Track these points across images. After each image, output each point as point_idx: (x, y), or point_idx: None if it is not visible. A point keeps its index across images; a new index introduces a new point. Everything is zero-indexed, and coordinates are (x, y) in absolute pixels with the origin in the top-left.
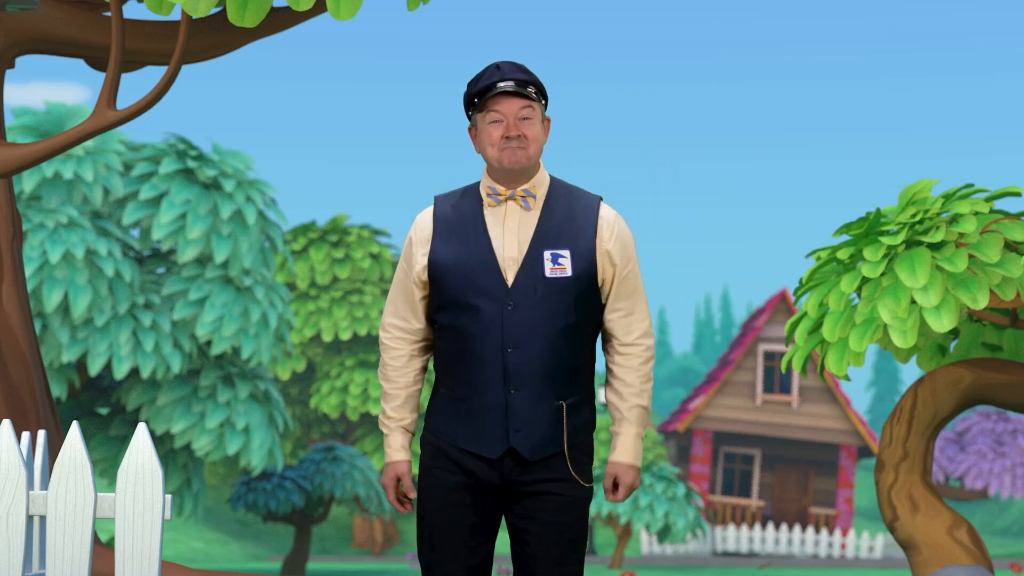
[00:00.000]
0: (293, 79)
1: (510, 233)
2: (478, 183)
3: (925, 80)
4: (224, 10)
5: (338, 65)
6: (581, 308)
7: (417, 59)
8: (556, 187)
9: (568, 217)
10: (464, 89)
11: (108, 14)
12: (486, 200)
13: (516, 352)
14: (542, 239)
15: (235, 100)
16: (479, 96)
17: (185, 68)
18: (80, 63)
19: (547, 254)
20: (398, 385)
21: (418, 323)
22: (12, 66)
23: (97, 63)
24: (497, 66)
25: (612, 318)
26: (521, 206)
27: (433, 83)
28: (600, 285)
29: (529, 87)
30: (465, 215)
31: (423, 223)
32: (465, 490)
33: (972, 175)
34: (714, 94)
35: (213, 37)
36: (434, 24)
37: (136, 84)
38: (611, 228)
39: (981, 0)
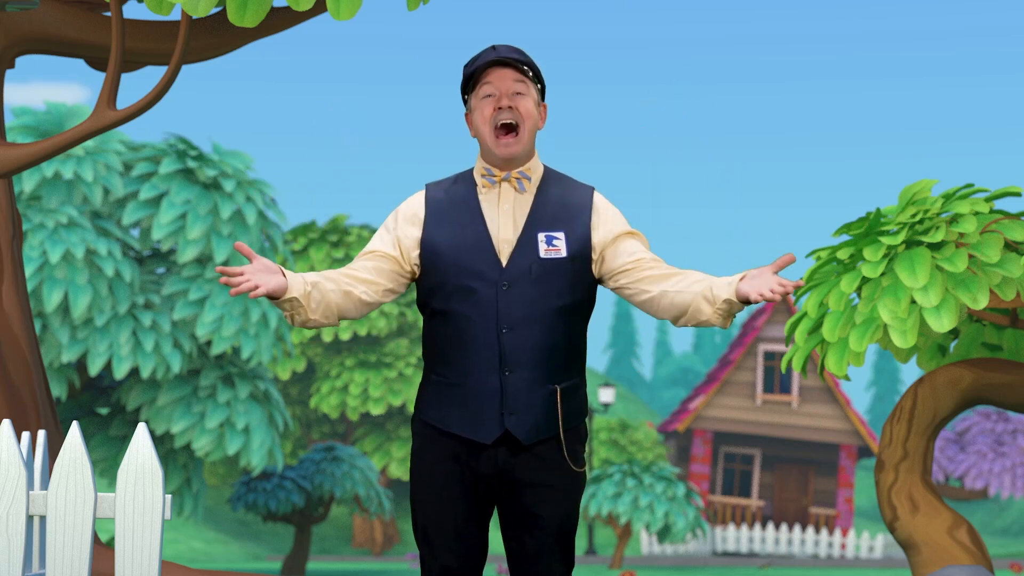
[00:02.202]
0: (293, 79)
1: (505, 215)
2: (471, 169)
3: (925, 80)
4: (224, 10)
5: (338, 65)
6: (575, 290)
7: (417, 59)
8: (549, 174)
9: (562, 202)
10: (459, 88)
11: (108, 14)
12: (480, 182)
13: (511, 333)
14: (537, 221)
15: (235, 100)
16: (473, 74)
17: (185, 68)
18: (80, 63)
19: (542, 235)
20: (331, 279)
21: (370, 275)
22: (12, 66)
23: (97, 63)
24: (493, 47)
25: (634, 257)
26: (516, 188)
27: (433, 83)
28: (597, 262)
29: (523, 65)
30: (458, 199)
31: (414, 204)
32: (458, 480)
33: (972, 175)
34: (714, 94)
35: (213, 37)
36: (434, 24)
37: (136, 84)
38: (604, 213)
39: (980, 0)
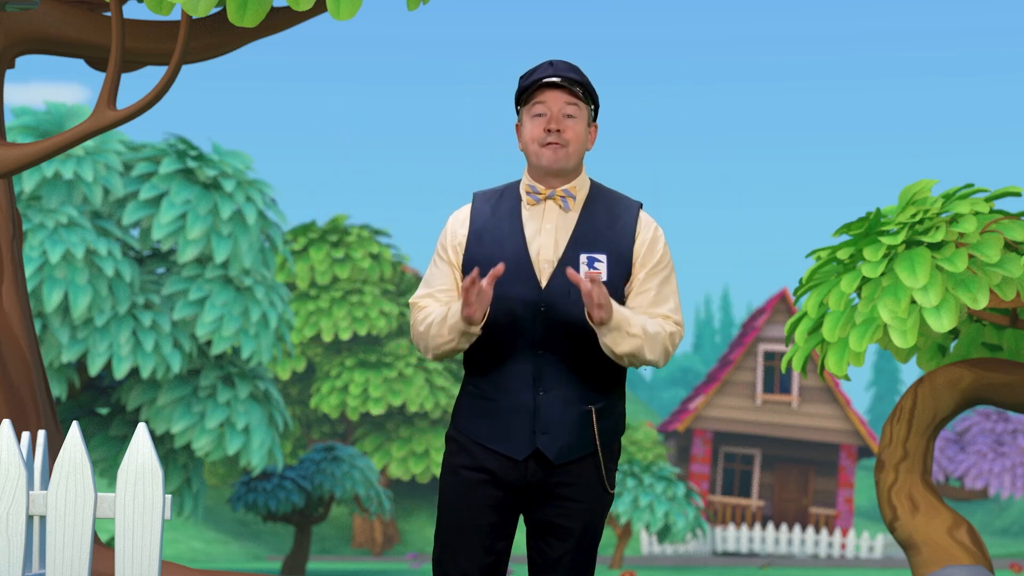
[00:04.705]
0: (293, 79)
1: (547, 234)
2: (518, 182)
3: (925, 80)
4: (224, 10)
5: (338, 65)
6: None
7: (417, 59)
8: (596, 190)
9: (607, 222)
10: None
11: (108, 14)
12: (525, 199)
13: (547, 354)
14: (579, 242)
15: (235, 100)
16: (527, 89)
17: (185, 68)
18: (80, 63)
19: (583, 257)
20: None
21: (448, 295)
22: (12, 66)
23: (97, 63)
24: (550, 62)
25: (640, 298)
26: (560, 206)
27: (433, 83)
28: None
29: (577, 86)
30: (502, 216)
31: (461, 217)
32: (486, 489)
33: (972, 175)
34: (714, 94)
35: (213, 37)
36: (434, 24)
37: (136, 84)
38: (651, 238)
39: (980, 0)
